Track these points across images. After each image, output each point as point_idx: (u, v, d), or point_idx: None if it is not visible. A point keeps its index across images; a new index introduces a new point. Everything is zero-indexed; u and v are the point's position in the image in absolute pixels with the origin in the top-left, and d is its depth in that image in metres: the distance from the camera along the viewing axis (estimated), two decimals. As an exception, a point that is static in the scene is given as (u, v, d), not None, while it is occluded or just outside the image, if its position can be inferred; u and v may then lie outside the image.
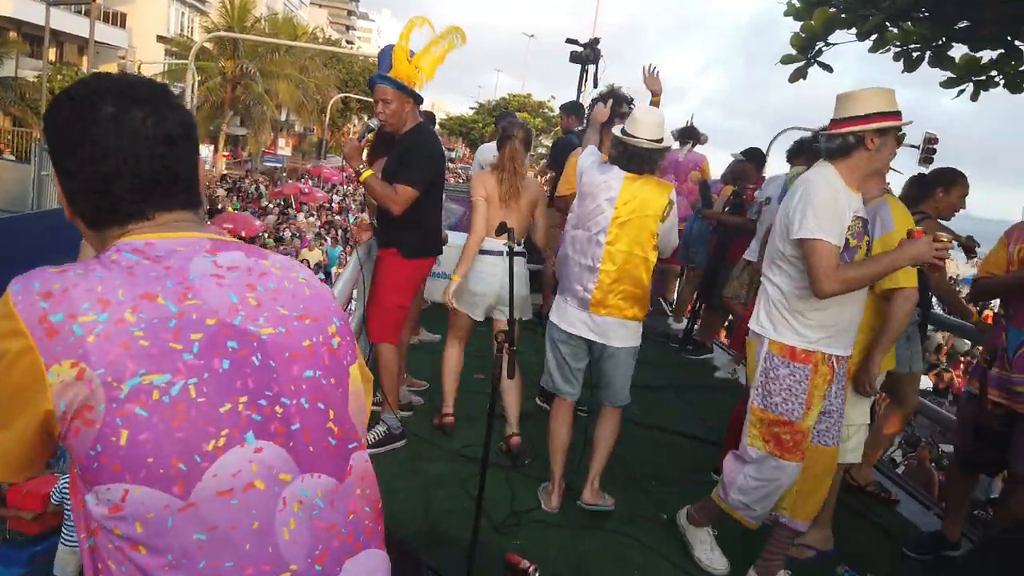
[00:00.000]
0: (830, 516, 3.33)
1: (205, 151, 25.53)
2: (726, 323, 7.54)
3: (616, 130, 3.40)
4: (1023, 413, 3.11)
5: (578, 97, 7.67)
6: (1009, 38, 4.32)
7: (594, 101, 3.58)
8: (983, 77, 4.75)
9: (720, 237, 5.94)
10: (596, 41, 7.98)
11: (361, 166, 3.73)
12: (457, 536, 2.96)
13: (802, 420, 2.75)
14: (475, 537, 2.61)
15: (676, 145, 6.64)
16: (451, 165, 25.65)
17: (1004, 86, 4.75)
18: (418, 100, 3.72)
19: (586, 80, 7.93)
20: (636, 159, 3.28)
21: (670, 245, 3.41)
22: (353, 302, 4.48)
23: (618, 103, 4.06)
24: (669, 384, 5.63)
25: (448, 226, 5.73)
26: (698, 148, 7.38)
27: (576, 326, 3.38)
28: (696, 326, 6.57)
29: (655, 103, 4.12)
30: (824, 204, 2.60)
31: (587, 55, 7.88)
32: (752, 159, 6.06)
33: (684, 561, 3.15)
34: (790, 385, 2.74)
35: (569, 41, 8.02)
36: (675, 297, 7.80)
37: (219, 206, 21.46)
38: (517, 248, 3.84)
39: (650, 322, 6.17)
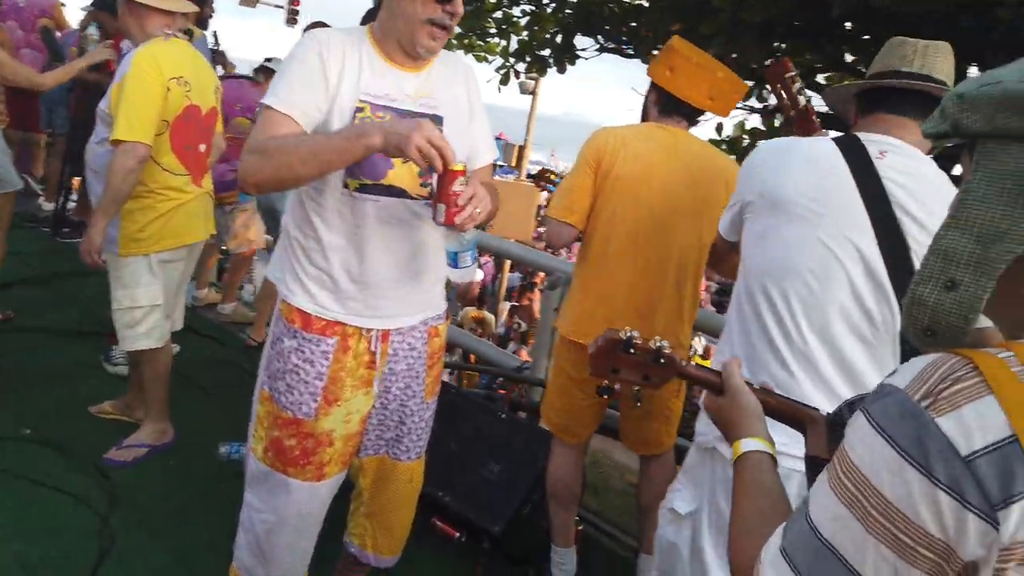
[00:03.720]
0: (165, 408, 3.08)
1: None
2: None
3: None
4: None
5: None
6: None
7: None
8: None
9: (80, 96, 5.14)
10: None
11: None
12: None
13: (314, 418, 1.84)
14: None
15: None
16: None
17: None
18: None
19: None
20: None
21: None
22: None
23: None
24: (42, 275, 4.83)
25: None
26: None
27: None
28: (70, 203, 5.74)
29: None
30: (290, 67, 1.72)
31: None
32: (105, 6, 5.27)
33: (41, 473, 2.75)
34: (296, 366, 1.82)
35: None
36: (44, 173, 6.67)
37: None
38: None
39: (16, 206, 5.15)
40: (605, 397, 2.18)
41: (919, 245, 1.50)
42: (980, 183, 0.74)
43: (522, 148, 15.64)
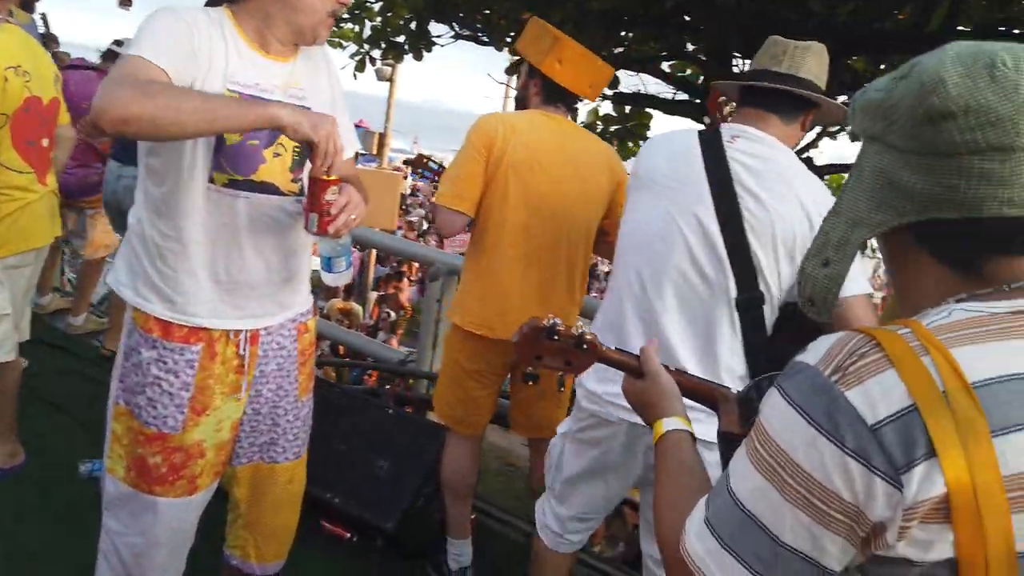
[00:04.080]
0: (13, 427, 2.84)
1: None
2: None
3: None
4: None
5: None
6: None
7: None
8: None
9: None
10: None
11: None
12: None
13: (180, 432, 1.70)
14: None
15: None
16: None
17: None
18: None
19: None
20: None
21: None
22: None
23: None
24: None
25: None
26: None
27: None
28: None
29: None
30: (153, 29, 1.50)
31: None
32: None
33: None
34: (158, 377, 1.67)
35: None
36: None
37: None
38: None
39: None
40: (530, 383, 2.28)
41: (753, 217, 1.70)
42: (853, 176, 0.85)
43: (383, 135, 15.38)
